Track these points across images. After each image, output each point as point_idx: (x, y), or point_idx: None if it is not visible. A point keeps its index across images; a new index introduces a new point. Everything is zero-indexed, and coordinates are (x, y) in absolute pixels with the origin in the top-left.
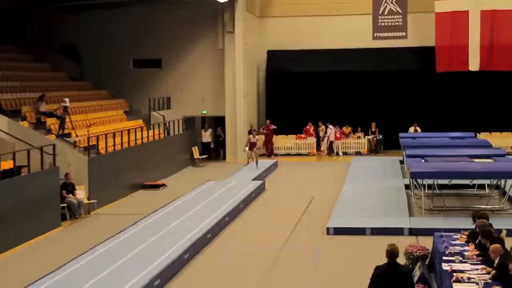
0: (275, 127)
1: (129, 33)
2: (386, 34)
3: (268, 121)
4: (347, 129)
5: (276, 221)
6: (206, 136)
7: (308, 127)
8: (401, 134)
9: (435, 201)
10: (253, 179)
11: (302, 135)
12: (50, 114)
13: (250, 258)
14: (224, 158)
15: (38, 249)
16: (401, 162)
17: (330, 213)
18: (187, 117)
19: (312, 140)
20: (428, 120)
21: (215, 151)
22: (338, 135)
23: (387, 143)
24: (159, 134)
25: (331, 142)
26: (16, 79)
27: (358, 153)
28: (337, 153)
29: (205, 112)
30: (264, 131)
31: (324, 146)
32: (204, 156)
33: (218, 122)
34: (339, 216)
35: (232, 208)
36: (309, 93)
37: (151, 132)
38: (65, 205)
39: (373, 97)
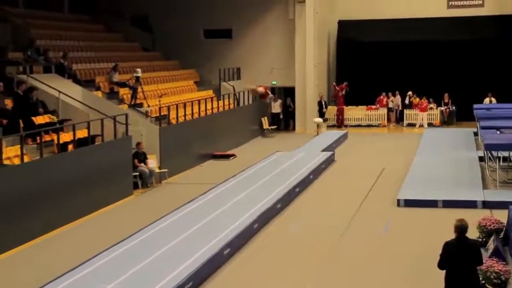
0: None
1: (200, 3)
2: (461, 3)
3: (333, 83)
4: (415, 100)
5: (346, 192)
6: (276, 107)
7: (381, 97)
8: (475, 105)
9: (510, 173)
10: (323, 150)
11: (373, 106)
12: (123, 84)
13: (320, 228)
14: (294, 128)
15: (111, 216)
16: (475, 134)
17: (401, 184)
18: None
19: (383, 111)
20: (504, 91)
21: (285, 122)
22: (423, 107)
23: (460, 115)
24: (229, 104)
25: (401, 113)
26: (90, 49)
27: (430, 125)
28: (421, 125)
29: (275, 82)
30: (338, 88)
31: (394, 117)
32: (273, 127)
33: (288, 93)
34: (410, 188)
35: (302, 178)
36: (380, 64)
37: (221, 102)
38: (137, 174)
39: (446, 67)
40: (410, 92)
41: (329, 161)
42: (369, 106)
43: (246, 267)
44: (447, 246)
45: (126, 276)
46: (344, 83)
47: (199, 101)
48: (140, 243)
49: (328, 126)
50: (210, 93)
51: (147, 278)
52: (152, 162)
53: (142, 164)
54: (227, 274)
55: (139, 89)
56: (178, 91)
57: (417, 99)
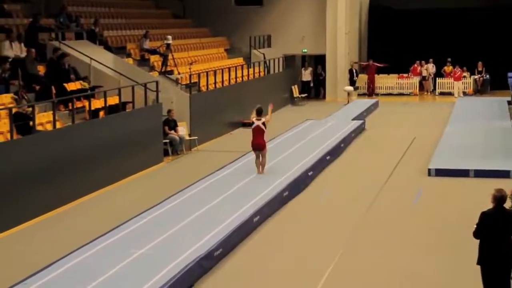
0: (382, 65)
1: None
2: None
3: (371, 61)
4: (448, 68)
5: (376, 161)
6: (306, 75)
7: (415, 65)
8: (510, 74)
9: None
10: (353, 119)
11: (405, 75)
12: (154, 51)
13: (350, 197)
14: (324, 97)
15: (141, 183)
16: (509, 102)
17: (432, 154)
18: (287, 55)
19: (415, 79)
20: None
21: (315, 90)
22: (457, 75)
23: (495, 83)
24: (259, 72)
25: (433, 81)
26: (121, 16)
27: (463, 93)
28: (462, 94)
29: (305, 50)
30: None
31: (428, 86)
32: (303, 95)
33: (318, 61)
34: (442, 157)
35: (332, 147)
36: (413, 32)
37: (251, 70)
38: (168, 141)
39: (480, 35)
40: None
41: (359, 130)
42: (400, 74)
43: (275, 235)
44: (485, 215)
45: (156, 242)
46: (382, 64)
47: (229, 68)
48: (170, 209)
49: (359, 95)
50: (240, 60)
51: (177, 244)
52: (182, 130)
53: (173, 131)
54: (257, 241)
55: (170, 56)
56: (208, 59)
57: (450, 67)
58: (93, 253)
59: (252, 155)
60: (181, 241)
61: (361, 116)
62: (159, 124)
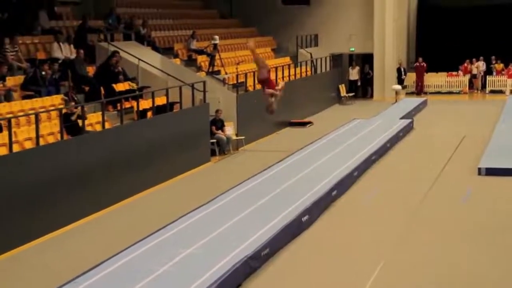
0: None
1: None
2: None
3: (420, 59)
4: (499, 66)
5: (425, 160)
6: (354, 74)
7: (466, 64)
8: None
9: None
10: (401, 118)
11: (454, 73)
12: (201, 52)
13: (397, 197)
14: (372, 96)
15: (189, 183)
16: None
17: (482, 153)
18: (335, 54)
19: (465, 77)
20: None
21: (362, 89)
22: (511, 73)
23: None
24: (306, 71)
25: (483, 79)
26: (169, 17)
27: None
28: (510, 92)
29: (352, 49)
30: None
31: (477, 84)
32: (351, 94)
33: (366, 59)
34: (492, 156)
35: (379, 146)
36: (463, 29)
37: (298, 69)
38: (215, 141)
39: None
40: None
41: (407, 129)
42: (449, 72)
43: (324, 234)
44: None
45: (204, 241)
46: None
47: (276, 68)
48: (217, 209)
49: (407, 93)
50: (287, 60)
51: (224, 244)
52: (230, 129)
53: (220, 131)
54: (306, 240)
55: (217, 56)
56: None
57: (501, 65)
58: (141, 252)
59: (299, 155)
60: (228, 241)
61: (409, 115)
62: (206, 124)
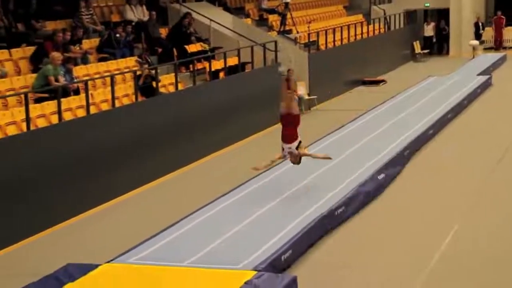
0: None
1: None
2: None
3: (499, 13)
4: None
5: (503, 119)
6: (429, 30)
7: None
8: None
9: None
10: (479, 74)
11: None
12: (272, 11)
13: (472, 157)
14: (447, 52)
15: (261, 142)
16: None
17: None
18: (409, 10)
19: None
20: None
21: (438, 45)
22: None
23: None
24: (379, 29)
25: None
26: None
27: None
28: None
29: (427, 4)
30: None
31: None
32: (426, 51)
33: (441, 15)
34: None
35: (455, 104)
36: None
37: (371, 27)
38: None
39: None
40: None
41: (485, 86)
42: None
43: (398, 194)
44: None
45: (274, 203)
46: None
47: (348, 26)
48: (289, 169)
49: (485, 49)
50: (359, 17)
51: (297, 202)
52: (301, 89)
53: None
54: (380, 200)
55: (288, 16)
56: (327, 17)
57: None
58: (216, 211)
59: (372, 114)
60: (303, 200)
61: (488, 71)
62: (278, 84)
